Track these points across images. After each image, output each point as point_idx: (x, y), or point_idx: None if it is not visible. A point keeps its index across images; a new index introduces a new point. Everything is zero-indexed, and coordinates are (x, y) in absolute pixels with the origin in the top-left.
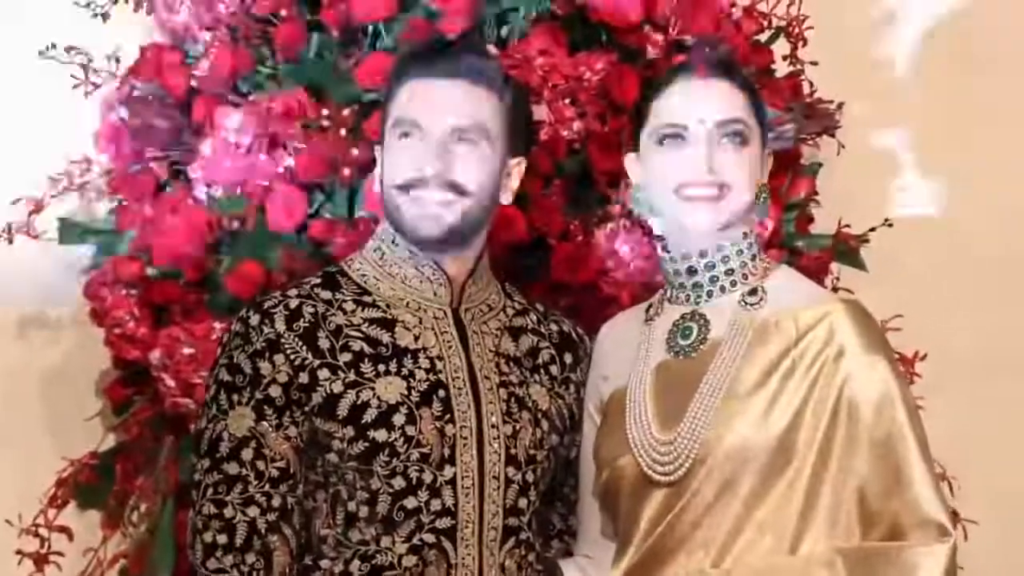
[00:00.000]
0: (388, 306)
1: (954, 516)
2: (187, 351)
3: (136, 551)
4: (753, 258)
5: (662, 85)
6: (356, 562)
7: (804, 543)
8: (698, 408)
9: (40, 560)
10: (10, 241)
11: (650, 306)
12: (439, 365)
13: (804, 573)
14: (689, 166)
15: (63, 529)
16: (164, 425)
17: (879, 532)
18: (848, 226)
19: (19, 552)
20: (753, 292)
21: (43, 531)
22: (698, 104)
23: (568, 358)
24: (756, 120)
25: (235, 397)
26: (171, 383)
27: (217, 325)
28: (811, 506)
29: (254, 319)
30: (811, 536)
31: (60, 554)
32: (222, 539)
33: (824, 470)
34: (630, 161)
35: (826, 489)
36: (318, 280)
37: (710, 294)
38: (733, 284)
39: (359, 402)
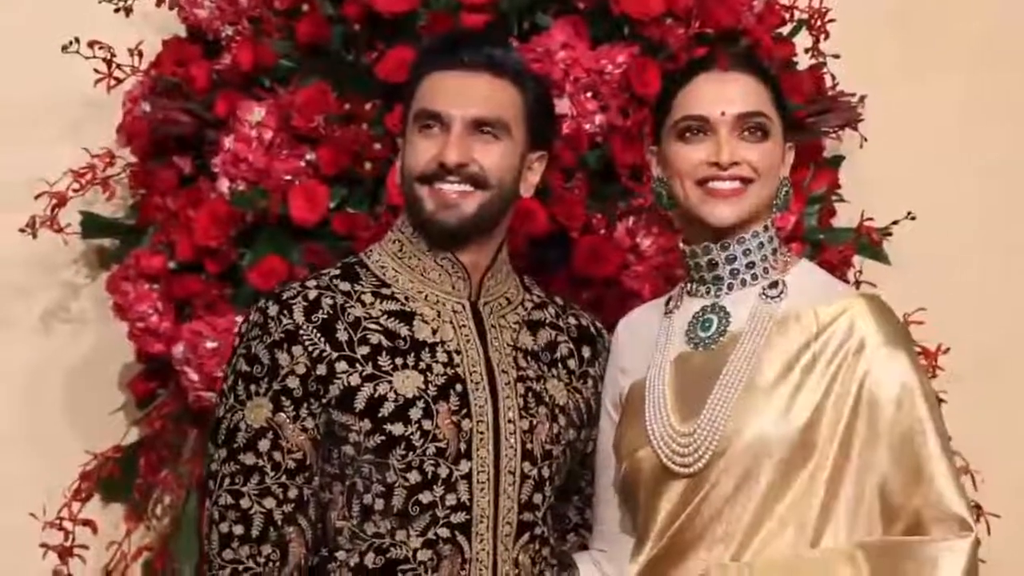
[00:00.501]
0: (407, 299)
1: (976, 509)
2: (210, 345)
3: (160, 544)
4: (774, 252)
5: (683, 78)
6: (371, 555)
7: (825, 537)
8: (718, 400)
9: (64, 553)
10: (33, 235)
11: (670, 299)
12: (457, 359)
13: (825, 567)
14: (711, 159)
15: (87, 523)
16: (187, 418)
17: (901, 526)
18: (871, 219)
19: (43, 545)
20: (774, 285)
21: (67, 524)
22: (720, 97)
23: (586, 352)
24: (778, 113)
25: (252, 388)
26: (194, 377)
27: (239, 319)
28: (832, 500)
29: (272, 309)
30: (832, 530)
31: (84, 547)
32: (238, 530)
33: (845, 464)
34: (652, 154)
35: (847, 483)
36: (337, 271)
37: (731, 287)
38: (754, 277)
39: (376, 395)
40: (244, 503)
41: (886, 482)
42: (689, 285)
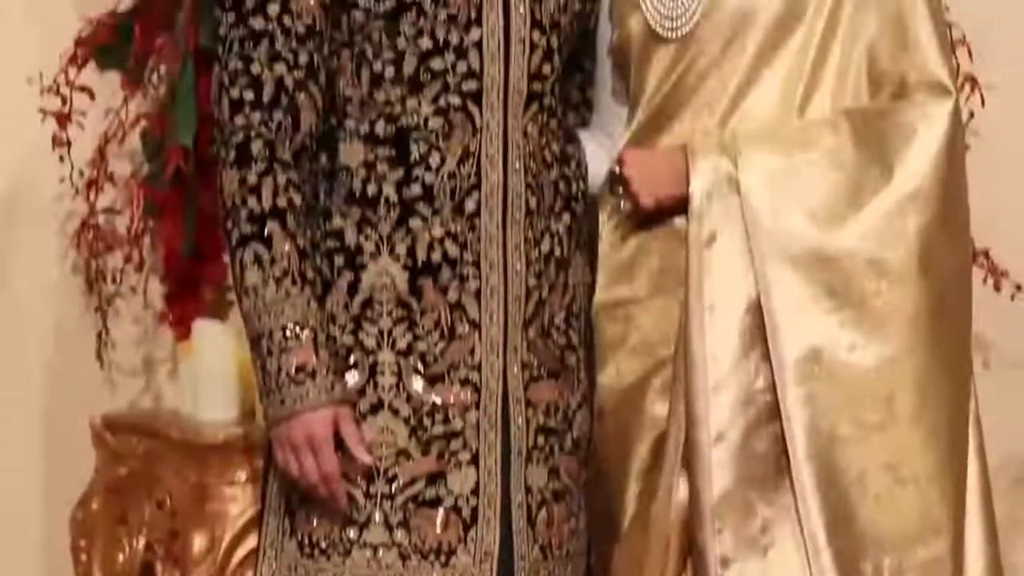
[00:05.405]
0: None
1: (972, 82)
2: None
3: (157, 112)
4: None
5: None
6: (381, 123)
7: (811, 106)
8: None
9: (63, 119)
10: None
11: None
12: None
13: (807, 134)
14: None
15: (84, 89)
16: None
17: (886, 93)
18: None
19: (42, 111)
20: None
21: (64, 90)
22: None
23: None
24: None
25: None
26: None
27: None
28: (820, 66)
29: None
30: (819, 99)
31: (83, 114)
32: (249, 95)
33: (835, 29)
34: None
35: (836, 50)
36: None
37: None
38: None
39: None
40: (254, 68)
41: (875, 47)
42: None
